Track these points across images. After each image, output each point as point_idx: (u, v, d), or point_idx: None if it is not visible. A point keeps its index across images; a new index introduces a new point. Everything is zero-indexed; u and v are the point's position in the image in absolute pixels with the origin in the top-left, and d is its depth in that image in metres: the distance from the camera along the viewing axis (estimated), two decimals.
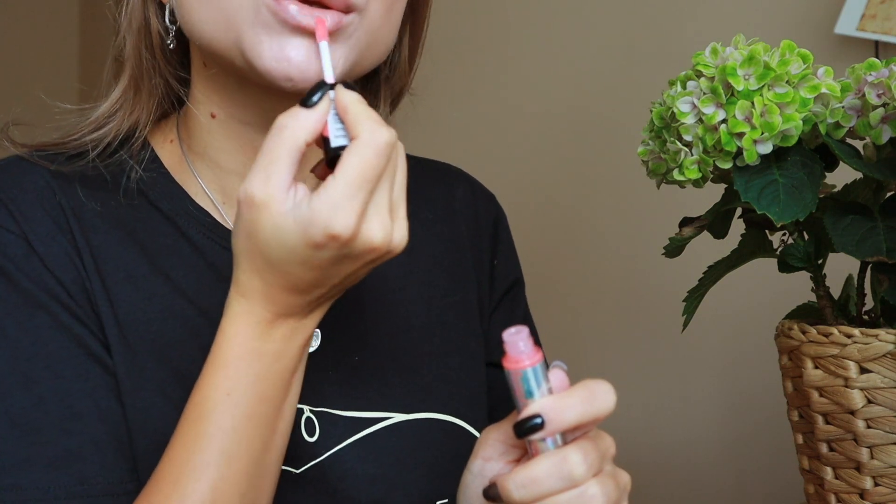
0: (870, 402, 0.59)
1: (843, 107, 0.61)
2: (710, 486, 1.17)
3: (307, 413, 0.60)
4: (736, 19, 1.18)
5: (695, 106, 0.61)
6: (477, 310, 0.71)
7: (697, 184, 0.63)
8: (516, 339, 0.48)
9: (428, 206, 0.72)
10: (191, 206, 0.61)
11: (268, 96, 0.58)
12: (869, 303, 0.66)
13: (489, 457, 0.52)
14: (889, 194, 0.64)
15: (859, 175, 0.63)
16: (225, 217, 0.62)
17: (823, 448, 0.62)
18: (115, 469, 0.53)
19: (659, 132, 0.64)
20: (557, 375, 0.49)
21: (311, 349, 0.60)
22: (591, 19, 1.32)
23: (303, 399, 0.58)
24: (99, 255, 0.58)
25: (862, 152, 0.63)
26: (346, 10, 0.53)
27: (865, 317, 0.66)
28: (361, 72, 0.59)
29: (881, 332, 0.58)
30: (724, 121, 0.59)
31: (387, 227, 0.47)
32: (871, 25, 1.02)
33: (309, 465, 0.59)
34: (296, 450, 0.57)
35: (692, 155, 0.62)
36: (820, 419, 0.62)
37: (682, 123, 0.61)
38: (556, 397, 0.48)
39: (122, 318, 0.57)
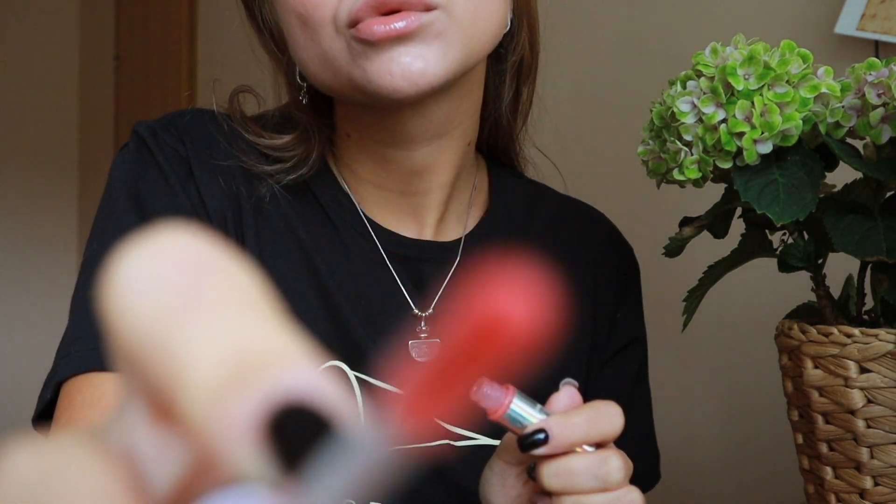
0: (870, 401, 0.59)
1: (843, 107, 0.61)
2: (709, 485, 1.17)
3: None
4: (736, 19, 1.17)
5: (695, 106, 0.61)
6: (586, 356, 0.71)
7: (697, 184, 0.63)
8: (483, 393, 0.48)
9: (560, 243, 0.73)
10: (334, 191, 0.67)
11: (391, 114, 0.61)
12: (869, 303, 0.66)
13: (509, 461, 0.52)
14: (889, 194, 0.64)
15: (859, 175, 0.63)
16: (360, 209, 0.67)
17: (823, 448, 0.62)
18: None
19: (659, 132, 0.64)
20: (568, 392, 0.49)
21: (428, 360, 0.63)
22: (591, 19, 1.32)
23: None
24: (259, 206, 0.63)
25: (862, 152, 0.62)
26: (426, 9, 0.55)
27: (865, 317, 0.66)
28: (477, 57, 0.61)
29: (881, 332, 0.58)
30: (724, 120, 0.59)
31: None
32: (871, 25, 1.01)
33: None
34: None
35: (692, 155, 0.61)
36: (820, 419, 0.62)
37: (682, 123, 0.61)
38: (562, 415, 0.48)
39: (265, 260, 0.62)
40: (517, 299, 0.14)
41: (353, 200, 0.67)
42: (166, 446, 0.17)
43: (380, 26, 0.54)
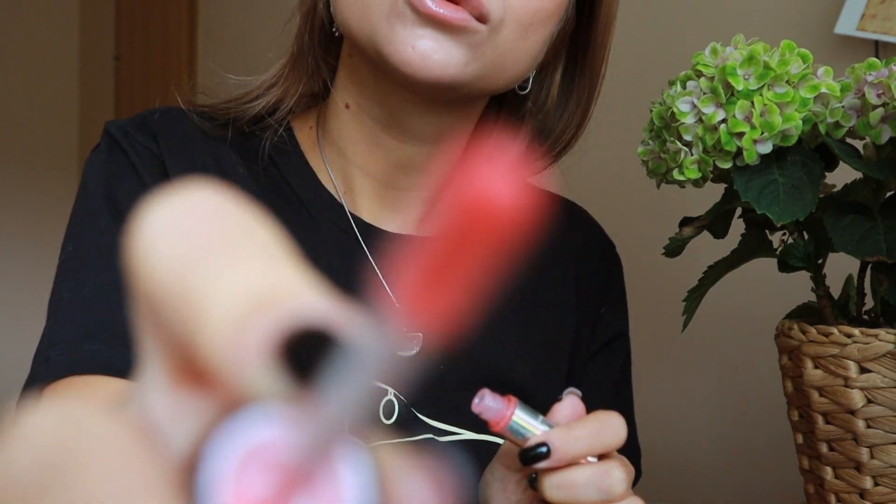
0: (870, 401, 0.59)
1: (843, 107, 0.61)
2: (709, 486, 1.17)
3: (390, 395, 0.61)
4: (736, 19, 1.17)
5: (695, 106, 0.61)
6: (568, 352, 0.71)
7: (697, 184, 0.63)
8: (485, 404, 0.47)
9: (544, 241, 0.73)
10: (313, 184, 0.66)
11: (397, 95, 0.61)
12: (869, 303, 0.66)
13: (509, 466, 0.52)
14: (889, 194, 0.64)
15: (859, 175, 0.63)
16: (341, 201, 0.66)
17: (823, 448, 0.62)
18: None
19: (659, 132, 0.64)
20: (572, 402, 0.49)
21: (411, 353, 0.63)
22: None
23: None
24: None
25: (862, 152, 0.63)
26: (479, 19, 0.56)
27: (865, 317, 0.66)
28: (486, 88, 0.61)
29: (881, 332, 0.58)
30: (723, 121, 0.59)
31: None
32: (871, 25, 1.01)
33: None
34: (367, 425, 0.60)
35: (692, 155, 0.62)
36: (820, 419, 0.62)
37: (682, 123, 0.61)
38: (565, 427, 0.47)
39: None
40: (502, 189, 0.14)
41: (334, 194, 0.66)
42: (184, 410, 0.17)
43: (432, 2, 0.54)
